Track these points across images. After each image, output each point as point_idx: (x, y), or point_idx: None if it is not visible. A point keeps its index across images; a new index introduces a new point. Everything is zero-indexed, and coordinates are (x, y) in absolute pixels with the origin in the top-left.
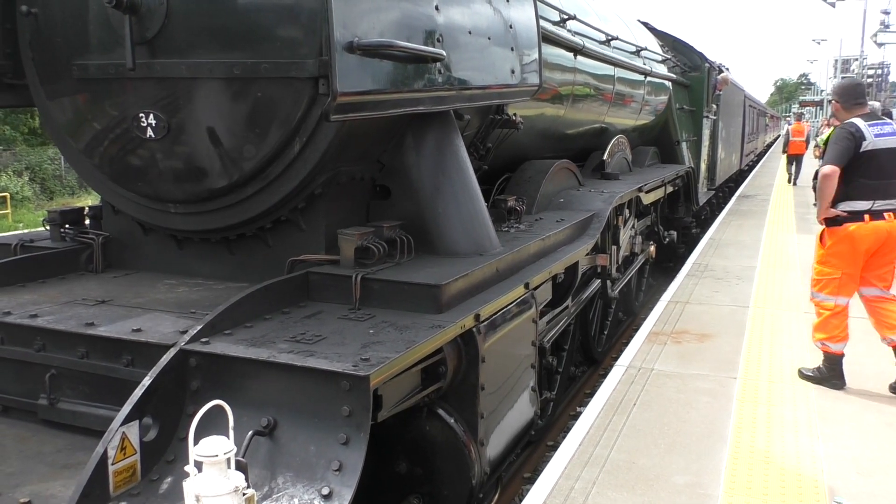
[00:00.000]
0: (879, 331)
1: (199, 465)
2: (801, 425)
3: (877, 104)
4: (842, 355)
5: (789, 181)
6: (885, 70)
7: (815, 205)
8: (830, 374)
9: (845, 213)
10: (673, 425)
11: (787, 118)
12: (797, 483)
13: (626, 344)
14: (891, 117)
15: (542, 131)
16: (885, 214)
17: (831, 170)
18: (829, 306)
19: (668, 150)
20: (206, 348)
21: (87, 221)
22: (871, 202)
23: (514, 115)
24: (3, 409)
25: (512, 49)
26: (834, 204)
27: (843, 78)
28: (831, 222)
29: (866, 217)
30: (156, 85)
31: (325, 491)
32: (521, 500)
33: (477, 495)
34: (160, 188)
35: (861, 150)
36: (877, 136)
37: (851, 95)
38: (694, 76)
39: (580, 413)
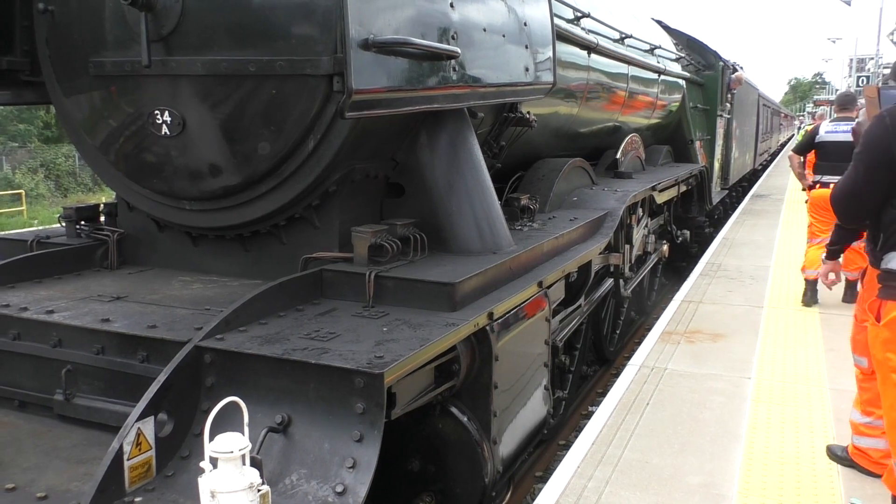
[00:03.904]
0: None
1: (214, 462)
2: (815, 426)
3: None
4: (815, 280)
5: None
6: None
7: None
8: (809, 294)
9: (811, 182)
10: (686, 425)
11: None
12: (812, 484)
13: (639, 343)
14: None
15: (555, 129)
16: (831, 185)
17: (790, 154)
18: (808, 242)
19: (681, 149)
20: (221, 345)
21: (103, 218)
22: (821, 176)
23: (528, 113)
24: (19, 405)
25: (526, 47)
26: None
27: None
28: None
29: (817, 185)
30: (171, 82)
31: (339, 488)
32: (533, 499)
33: (489, 493)
34: (175, 185)
35: (815, 141)
36: (826, 132)
37: (837, 106)
38: (708, 75)
39: (593, 412)
